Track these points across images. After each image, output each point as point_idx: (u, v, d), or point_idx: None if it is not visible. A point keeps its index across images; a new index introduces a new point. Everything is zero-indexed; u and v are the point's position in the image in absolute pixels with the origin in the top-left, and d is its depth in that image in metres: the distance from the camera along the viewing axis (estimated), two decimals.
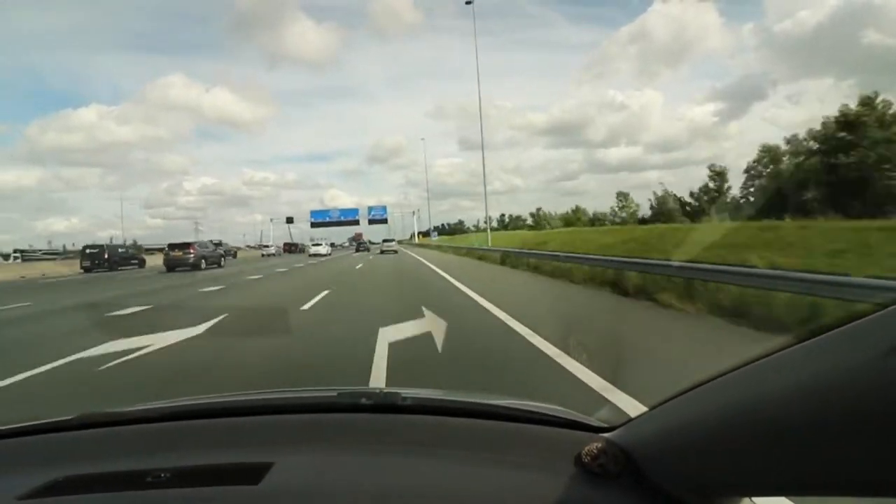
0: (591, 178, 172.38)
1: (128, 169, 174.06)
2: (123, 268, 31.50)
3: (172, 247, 26.88)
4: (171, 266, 25.77)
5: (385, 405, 1.05)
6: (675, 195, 57.11)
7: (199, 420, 1.09)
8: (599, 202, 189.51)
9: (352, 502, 0.78)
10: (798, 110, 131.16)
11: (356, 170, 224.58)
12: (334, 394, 1.16)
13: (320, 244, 48.89)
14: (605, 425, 0.95)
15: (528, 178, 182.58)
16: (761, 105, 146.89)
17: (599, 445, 0.83)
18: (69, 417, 1.08)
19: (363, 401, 1.06)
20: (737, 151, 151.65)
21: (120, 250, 33.78)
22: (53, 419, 1.09)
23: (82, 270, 29.80)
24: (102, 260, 30.47)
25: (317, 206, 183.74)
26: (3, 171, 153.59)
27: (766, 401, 0.62)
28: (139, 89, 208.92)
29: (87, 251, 31.33)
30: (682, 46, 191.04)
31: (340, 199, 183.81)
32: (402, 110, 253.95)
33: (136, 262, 33.62)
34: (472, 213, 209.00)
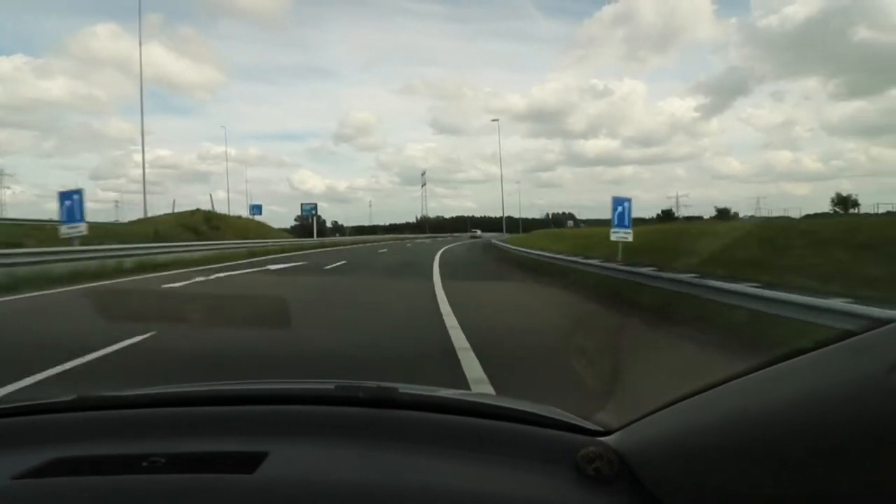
0: (567, 170, 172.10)
1: (64, 133, 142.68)
2: None
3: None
4: None
5: (381, 399, 1.05)
6: None
7: (195, 407, 1.09)
8: (574, 197, 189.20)
9: (344, 496, 0.78)
10: (777, 111, 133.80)
11: (325, 149, 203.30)
12: (331, 386, 1.17)
13: None
14: (603, 429, 0.95)
15: (505, 167, 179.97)
16: (744, 101, 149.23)
17: (596, 449, 0.83)
18: (65, 399, 1.08)
19: (360, 394, 1.06)
20: (713, 150, 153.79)
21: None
22: (48, 400, 1.09)
23: None
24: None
25: (285, 187, 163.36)
26: None
27: (767, 412, 0.61)
28: (74, 45, 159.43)
29: None
30: (664, 34, 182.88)
31: (310, 179, 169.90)
32: (371, 91, 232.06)
33: None
34: (444, 202, 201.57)
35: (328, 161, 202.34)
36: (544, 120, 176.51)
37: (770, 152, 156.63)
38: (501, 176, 48.40)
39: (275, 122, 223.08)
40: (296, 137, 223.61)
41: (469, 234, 76.52)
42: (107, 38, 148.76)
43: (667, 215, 66.98)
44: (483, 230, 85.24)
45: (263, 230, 39.94)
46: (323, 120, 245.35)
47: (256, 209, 48.67)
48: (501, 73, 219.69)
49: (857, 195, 46.90)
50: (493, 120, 46.98)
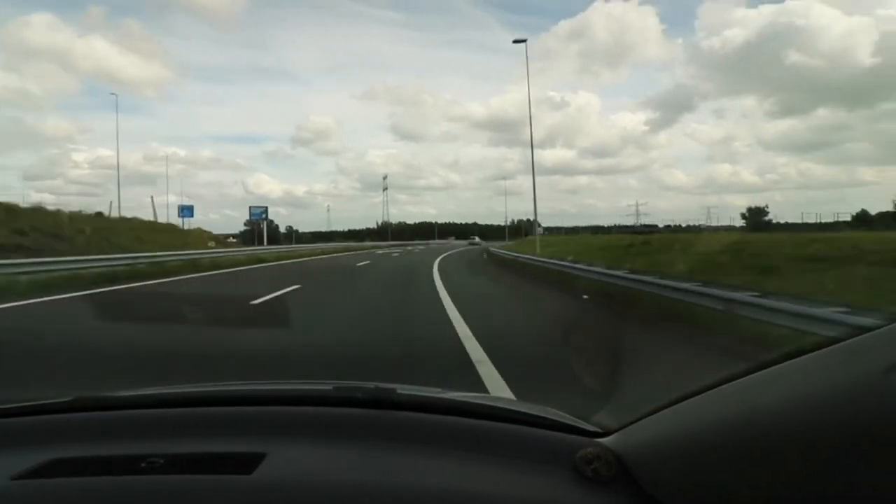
0: (526, 179, 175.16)
1: None
2: None
3: None
4: None
5: (380, 400, 1.04)
6: None
7: (193, 408, 1.08)
8: (531, 205, 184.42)
9: (343, 497, 0.78)
10: (718, 127, 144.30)
11: (282, 153, 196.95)
12: (329, 387, 1.16)
13: None
14: (601, 430, 0.95)
15: (465, 175, 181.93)
16: (690, 117, 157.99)
17: (594, 450, 0.84)
18: (63, 399, 1.08)
19: (358, 395, 1.06)
20: (662, 163, 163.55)
21: None
22: (46, 401, 1.09)
23: None
24: None
25: (239, 191, 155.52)
26: None
27: (765, 413, 0.62)
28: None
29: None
30: (616, 51, 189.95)
31: (266, 184, 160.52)
32: (331, 95, 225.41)
33: None
34: (406, 209, 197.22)
35: (285, 165, 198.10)
36: (504, 129, 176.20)
37: (713, 165, 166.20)
38: (533, 165, 28.38)
39: (229, 124, 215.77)
40: (252, 140, 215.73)
41: (467, 241, 72.96)
42: (42, 28, 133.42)
43: (759, 214, 55.57)
44: (454, 237, 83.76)
45: (163, 235, 27.80)
46: (280, 123, 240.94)
47: (187, 210, 44.78)
48: (462, 82, 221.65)
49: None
50: (517, 41, 23.45)
